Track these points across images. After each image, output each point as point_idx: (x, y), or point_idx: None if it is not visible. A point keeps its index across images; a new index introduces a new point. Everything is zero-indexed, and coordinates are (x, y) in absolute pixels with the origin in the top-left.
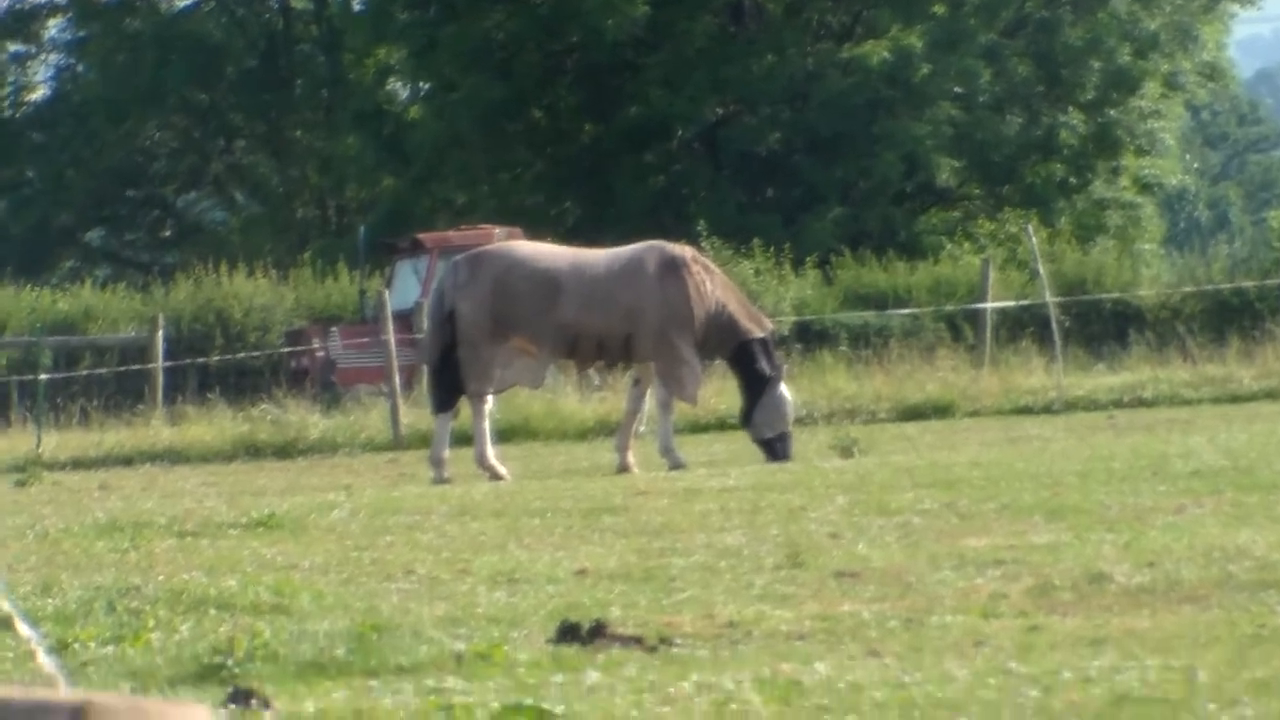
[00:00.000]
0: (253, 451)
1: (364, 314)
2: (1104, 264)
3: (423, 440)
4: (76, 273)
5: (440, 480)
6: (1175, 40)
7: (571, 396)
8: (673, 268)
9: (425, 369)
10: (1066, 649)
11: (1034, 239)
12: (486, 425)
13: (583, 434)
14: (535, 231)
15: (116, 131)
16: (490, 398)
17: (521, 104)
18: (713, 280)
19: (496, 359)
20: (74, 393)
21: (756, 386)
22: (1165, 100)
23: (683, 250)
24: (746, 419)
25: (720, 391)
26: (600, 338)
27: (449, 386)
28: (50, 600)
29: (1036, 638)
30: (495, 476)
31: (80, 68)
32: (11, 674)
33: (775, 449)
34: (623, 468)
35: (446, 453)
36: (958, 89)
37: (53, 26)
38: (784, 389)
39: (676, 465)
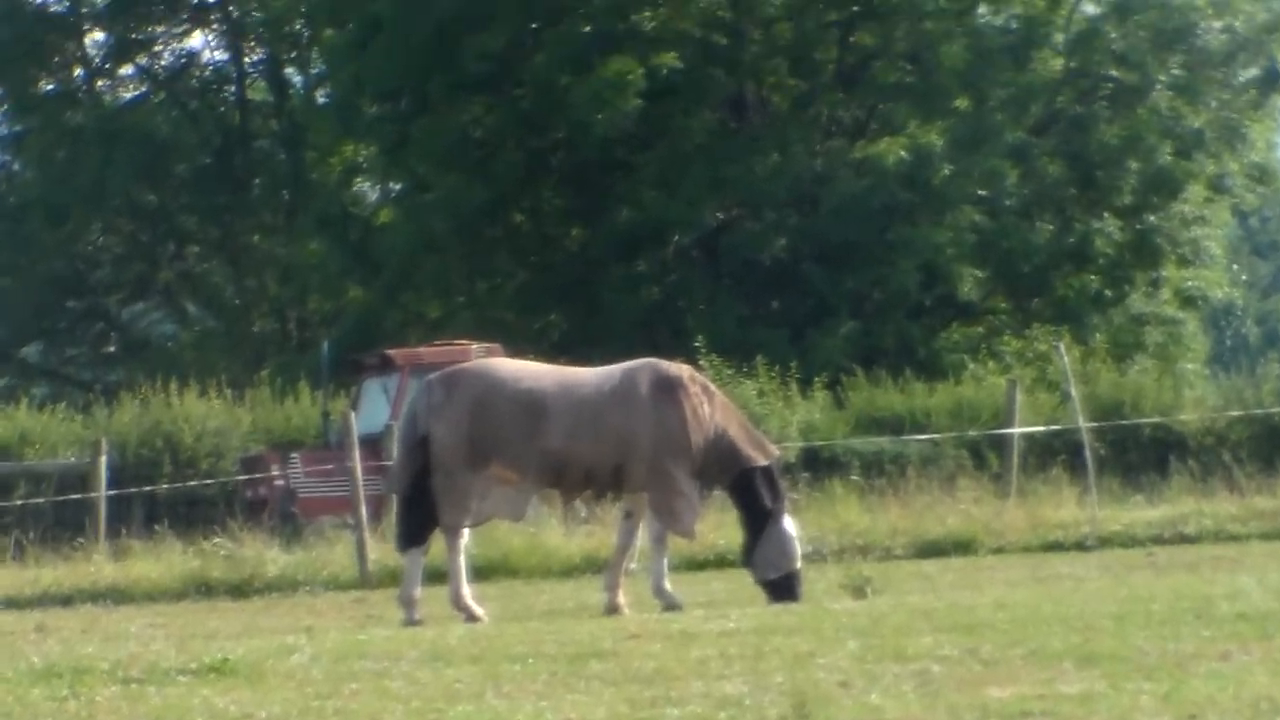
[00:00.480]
0: (204, 590)
1: (327, 438)
2: (1142, 385)
3: (392, 578)
4: (11, 391)
5: (411, 622)
6: (1221, 139)
7: (556, 530)
8: (668, 389)
9: (395, 499)
10: None
11: (1065, 358)
12: (462, 561)
13: (568, 571)
14: (516, 347)
15: (56, 235)
16: (466, 531)
17: (502, 207)
18: (712, 402)
19: (474, 488)
20: (7, 524)
21: (759, 521)
22: (1210, 205)
23: (679, 369)
24: (748, 557)
25: (719, 525)
26: (589, 466)
27: (421, 519)
28: None
29: None
30: (472, 618)
31: (16, 165)
32: None
33: (780, 590)
34: (612, 608)
35: (418, 591)
36: (982, 192)
37: None
38: (789, 523)
39: (671, 606)
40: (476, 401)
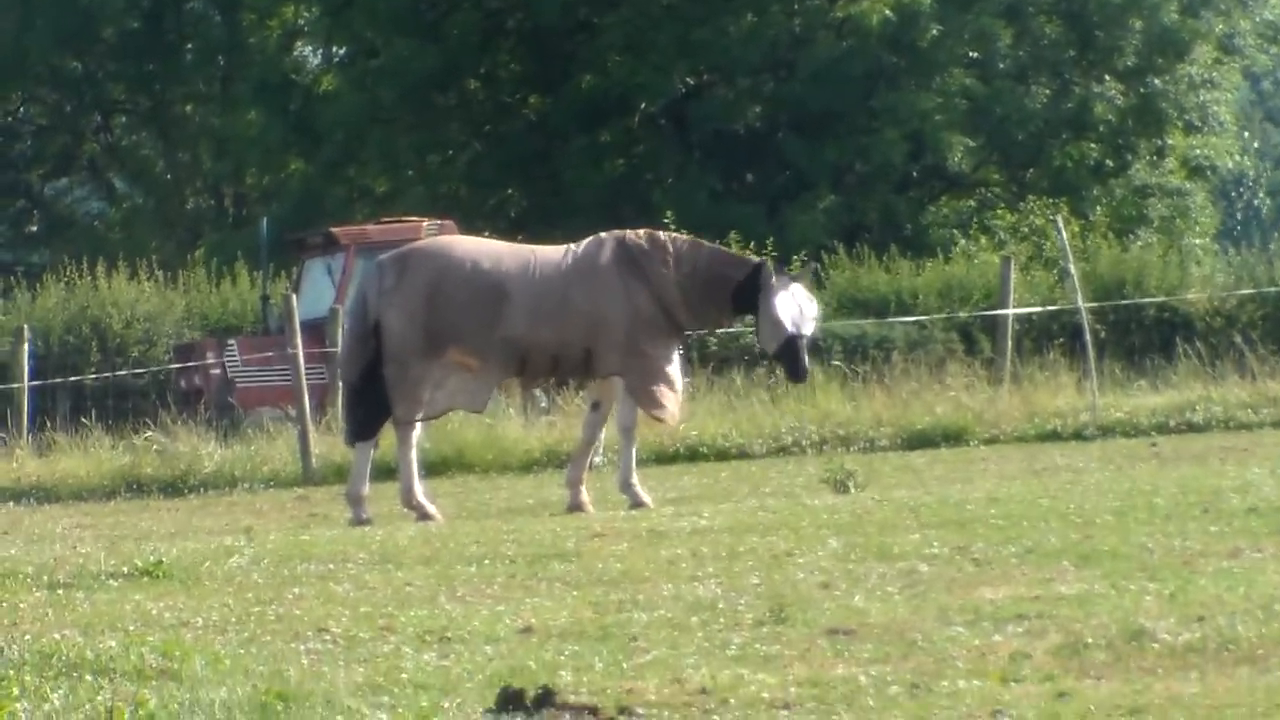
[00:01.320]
0: (136, 488)
1: (267, 324)
2: (1146, 262)
3: (337, 474)
4: None
5: (360, 521)
6: None
7: (514, 422)
8: (632, 261)
9: (341, 389)
10: (1100, 719)
11: (1063, 233)
12: (414, 456)
13: (527, 466)
14: (471, 225)
15: None
16: (419, 425)
17: (454, 73)
18: (679, 256)
19: (428, 378)
20: None
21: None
22: (1219, 67)
23: (639, 237)
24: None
25: (691, 415)
26: (555, 352)
27: (371, 411)
28: None
29: (1065, 706)
30: (424, 516)
31: None
32: None
33: (782, 359)
34: (575, 506)
35: (367, 489)
36: (973, 54)
37: None
38: (781, 295)
39: (638, 503)
40: (431, 285)
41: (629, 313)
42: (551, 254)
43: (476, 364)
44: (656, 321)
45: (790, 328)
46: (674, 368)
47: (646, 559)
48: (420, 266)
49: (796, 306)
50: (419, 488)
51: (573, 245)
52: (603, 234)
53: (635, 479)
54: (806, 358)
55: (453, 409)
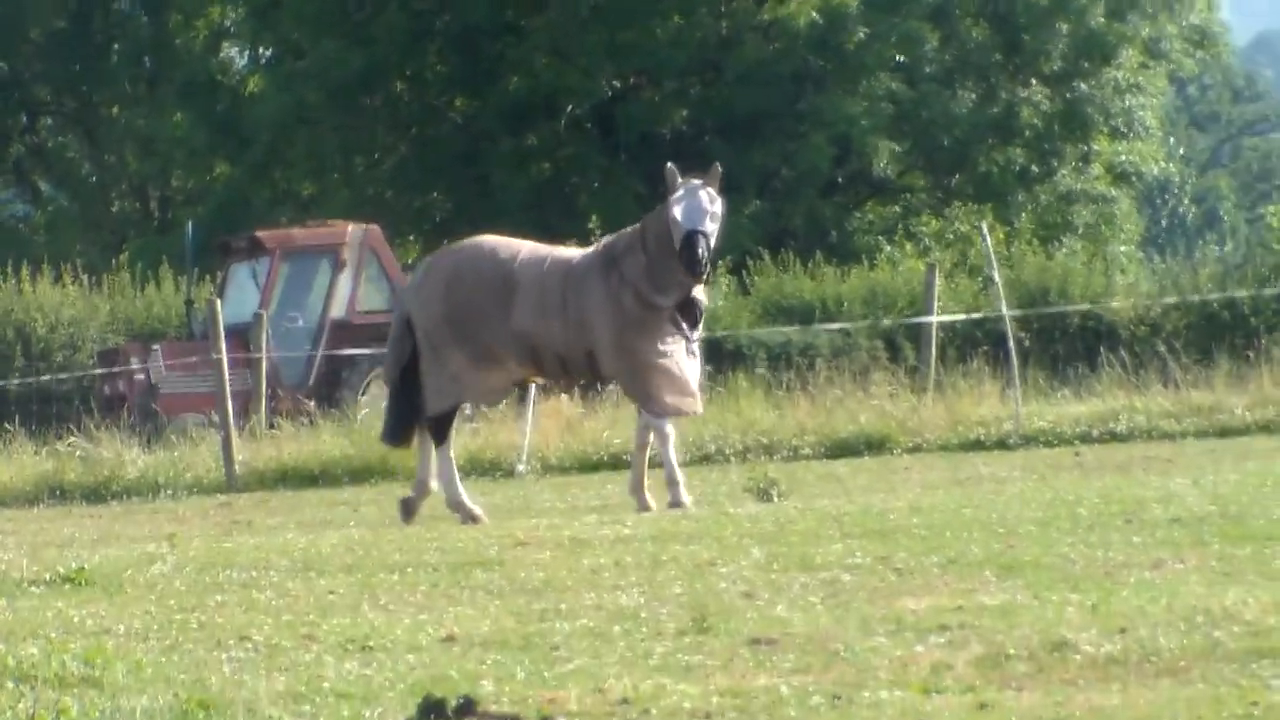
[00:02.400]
0: (58, 493)
1: (191, 329)
2: (1071, 269)
3: (261, 481)
4: None
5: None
6: None
7: None
8: (614, 262)
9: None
10: None
11: (988, 240)
12: (452, 455)
13: None
14: (397, 228)
15: None
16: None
17: (381, 75)
18: (644, 229)
19: (454, 372)
20: None
21: None
22: (1146, 72)
23: (618, 236)
24: None
25: (614, 422)
26: (560, 352)
27: (404, 415)
28: None
29: (986, 717)
30: (470, 518)
31: None
32: None
33: (682, 257)
34: (643, 507)
35: (433, 482)
36: (899, 58)
37: None
38: (685, 190)
39: (646, 507)
40: (450, 276)
41: (615, 314)
42: (566, 254)
43: (496, 357)
44: (643, 318)
45: (685, 224)
46: (671, 358)
47: (569, 568)
48: (442, 260)
49: (695, 204)
50: (460, 488)
51: (589, 248)
52: (607, 237)
53: (679, 477)
54: (704, 254)
55: (463, 402)
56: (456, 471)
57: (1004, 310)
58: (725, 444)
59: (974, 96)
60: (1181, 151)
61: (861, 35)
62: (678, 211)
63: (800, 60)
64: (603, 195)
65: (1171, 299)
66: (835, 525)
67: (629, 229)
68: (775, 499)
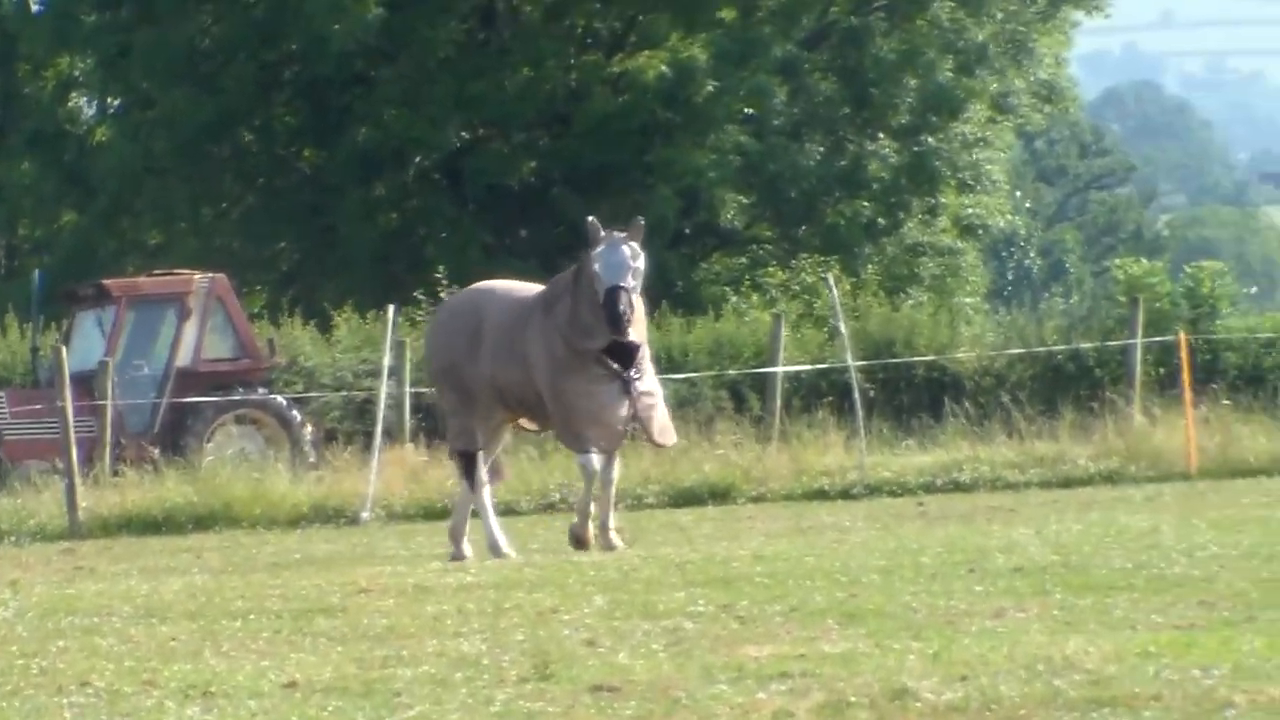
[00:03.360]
0: None
1: (37, 376)
2: (917, 321)
3: (105, 528)
4: None
5: (503, 553)
6: (1007, 54)
7: (282, 477)
8: (551, 301)
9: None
10: None
11: (835, 290)
12: (472, 498)
13: (294, 521)
14: (244, 278)
15: None
16: (485, 468)
17: (229, 125)
18: (576, 272)
19: (467, 411)
20: None
21: None
22: (993, 126)
23: (558, 280)
24: None
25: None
26: (518, 394)
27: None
28: None
29: None
30: (499, 553)
31: None
32: None
33: (604, 313)
34: (607, 546)
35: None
36: (748, 111)
37: None
38: (607, 245)
39: (583, 544)
40: (441, 324)
41: (549, 357)
42: (523, 295)
43: (478, 399)
44: (571, 361)
45: (607, 280)
46: (596, 399)
47: (412, 615)
48: (440, 307)
49: (618, 259)
50: (464, 527)
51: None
52: (559, 276)
53: (613, 523)
54: (625, 310)
55: (473, 448)
56: (487, 510)
57: (849, 361)
58: (570, 492)
59: (822, 149)
60: (1028, 205)
61: (710, 88)
62: (599, 266)
63: (649, 113)
64: (450, 246)
65: (1016, 350)
66: (678, 573)
67: (569, 270)
68: (618, 548)
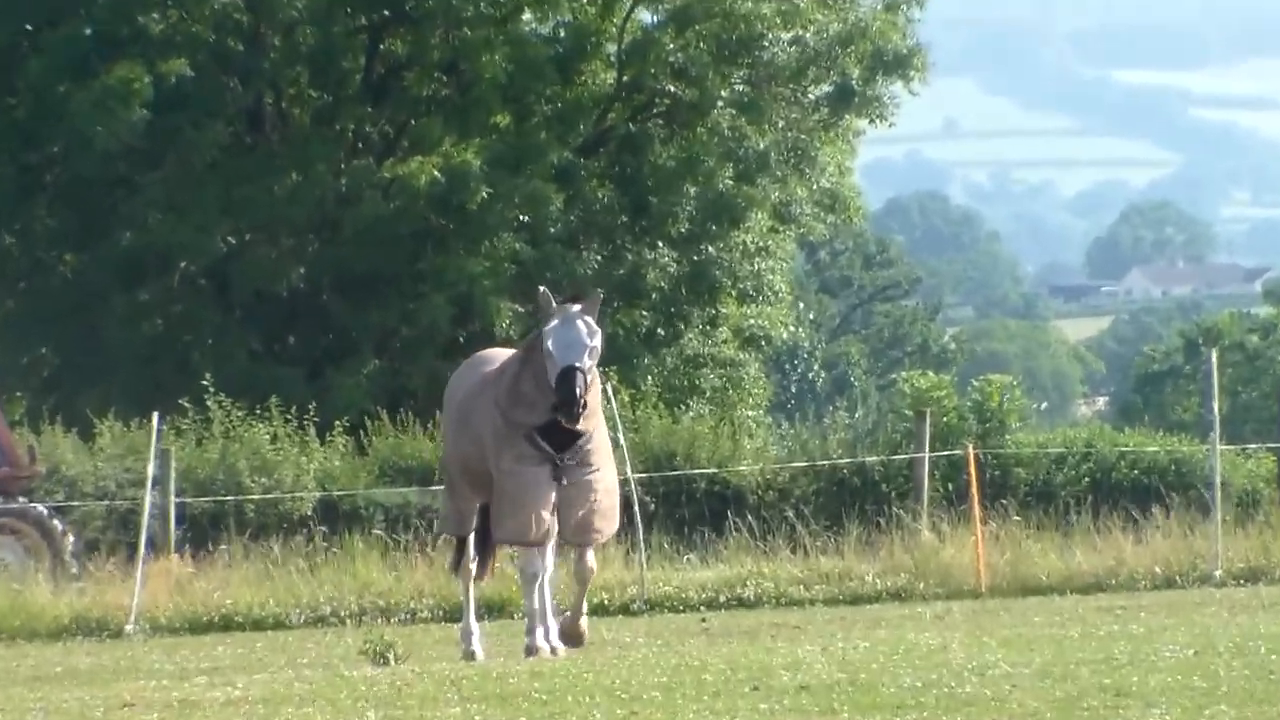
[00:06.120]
0: None
1: None
2: (698, 433)
3: None
4: None
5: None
6: (788, 162)
7: (43, 588)
8: (498, 376)
9: None
10: None
11: (614, 402)
12: (471, 588)
13: (56, 634)
14: (3, 382)
15: None
16: (474, 564)
17: None
18: (528, 346)
19: (456, 495)
20: None
21: None
22: (775, 236)
23: (514, 355)
24: None
25: (226, 583)
26: (477, 469)
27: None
28: None
29: None
30: (467, 645)
31: None
32: None
33: (558, 393)
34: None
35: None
36: (523, 217)
37: None
38: (558, 322)
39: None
40: (446, 399)
41: (491, 428)
42: (491, 370)
43: (454, 481)
44: (504, 433)
45: (561, 360)
46: (518, 480)
47: None
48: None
49: (573, 337)
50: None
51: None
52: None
53: (582, 623)
54: (580, 392)
55: (447, 532)
56: (468, 601)
57: (629, 473)
58: (341, 605)
59: (599, 258)
60: (812, 316)
61: (484, 195)
62: (551, 344)
63: (421, 219)
64: (216, 352)
65: (801, 463)
66: (454, 689)
67: (526, 341)
68: (392, 662)
